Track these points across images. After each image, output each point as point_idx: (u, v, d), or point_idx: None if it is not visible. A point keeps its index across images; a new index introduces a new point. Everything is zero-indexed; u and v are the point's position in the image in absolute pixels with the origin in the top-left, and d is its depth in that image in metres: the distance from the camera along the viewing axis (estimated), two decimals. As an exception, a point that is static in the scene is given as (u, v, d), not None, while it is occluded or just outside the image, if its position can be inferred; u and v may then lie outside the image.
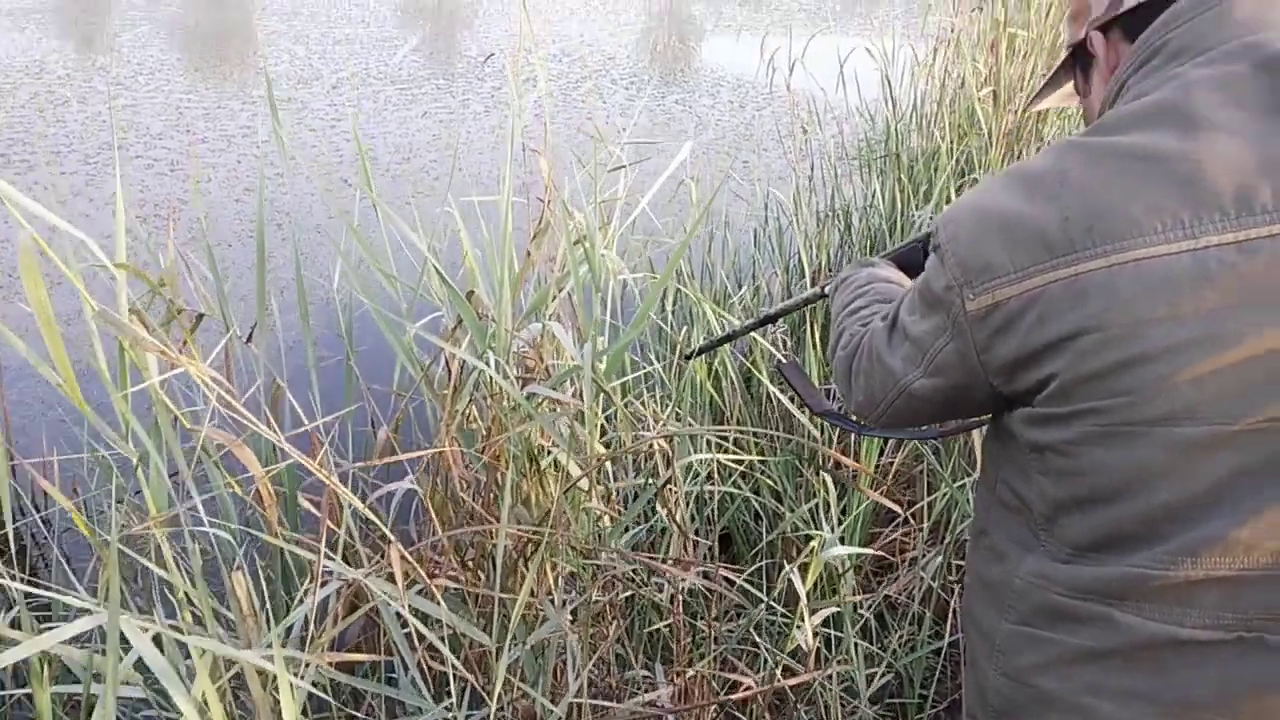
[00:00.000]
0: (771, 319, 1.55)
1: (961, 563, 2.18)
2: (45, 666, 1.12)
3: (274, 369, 1.61)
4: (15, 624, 1.18)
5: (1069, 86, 1.05)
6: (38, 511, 2.30)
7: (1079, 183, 0.76)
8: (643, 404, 2.06)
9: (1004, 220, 0.79)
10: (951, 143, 3.35)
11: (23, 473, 2.19)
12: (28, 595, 1.20)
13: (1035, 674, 0.85)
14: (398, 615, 1.15)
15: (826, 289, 1.29)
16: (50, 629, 1.16)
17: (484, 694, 1.19)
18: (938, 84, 3.78)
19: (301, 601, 1.13)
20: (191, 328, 1.39)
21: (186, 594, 1.15)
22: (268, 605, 1.14)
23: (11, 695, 1.27)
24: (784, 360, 1.45)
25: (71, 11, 10.58)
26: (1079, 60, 0.99)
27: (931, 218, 3.07)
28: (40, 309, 0.88)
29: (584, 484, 1.40)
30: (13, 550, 1.24)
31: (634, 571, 1.56)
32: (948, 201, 3.05)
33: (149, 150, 5.57)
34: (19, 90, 6.70)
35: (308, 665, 1.09)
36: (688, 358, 1.95)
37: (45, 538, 2.21)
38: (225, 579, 1.15)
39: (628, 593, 1.56)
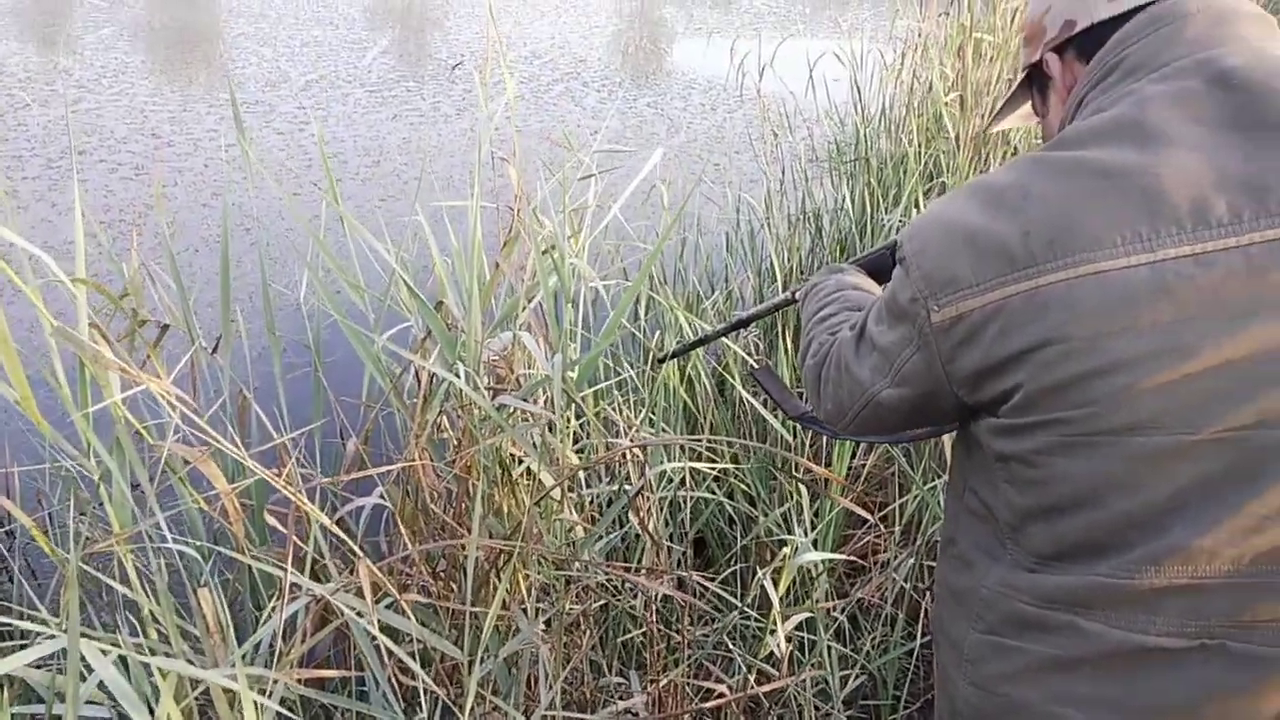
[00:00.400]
0: (743, 323, 1.56)
1: (933, 564, 2.20)
2: (6, 686, 1.10)
3: (240, 380, 1.59)
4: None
5: (1027, 107, 1.07)
6: (1, 525, 2.26)
7: (1040, 197, 0.77)
8: (616, 409, 2.06)
9: (967, 234, 0.80)
10: (919, 147, 3.38)
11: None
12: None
13: (1004, 683, 0.86)
14: (368, 630, 1.14)
15: (797, 294, 1.31)
16: (11, 645, 1.14)
17: (455, 708, 1.18)
18: (905, 88, 3.81)
19: (269, 619, 1.11)
20: (155, 340, 1.37)
21: (151, 612, 1.13)
22: (230, 623, 1.12)
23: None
24: (757, 365, 1.45)
25: (31, 13, 10.40)
26: (1036, 81, 1.01)
27: (901, 221, 3.10)
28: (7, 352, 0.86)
29: (556, 494, 1.39)
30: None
31: (607, 580, 1.55)
32: (916, 205, 3.08)
33: (113, 155, 5.49)
34: (-22, 93, 6.58)
35: (275, 683, 1.07)
36: (660, 361, 1.96)
37: (7, 551, 2.17)
38: (191, 595, 1.13)
39: (601, 602, 1.56)
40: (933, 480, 2.27)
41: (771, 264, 3.24)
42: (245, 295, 3.65)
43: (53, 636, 0.90)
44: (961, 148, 3.17)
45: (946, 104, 3.26)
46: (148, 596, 1.11)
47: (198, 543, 1.16)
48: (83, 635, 0.93)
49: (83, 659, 0.91)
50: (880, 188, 3.41)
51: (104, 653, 0.89)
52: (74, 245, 1.19)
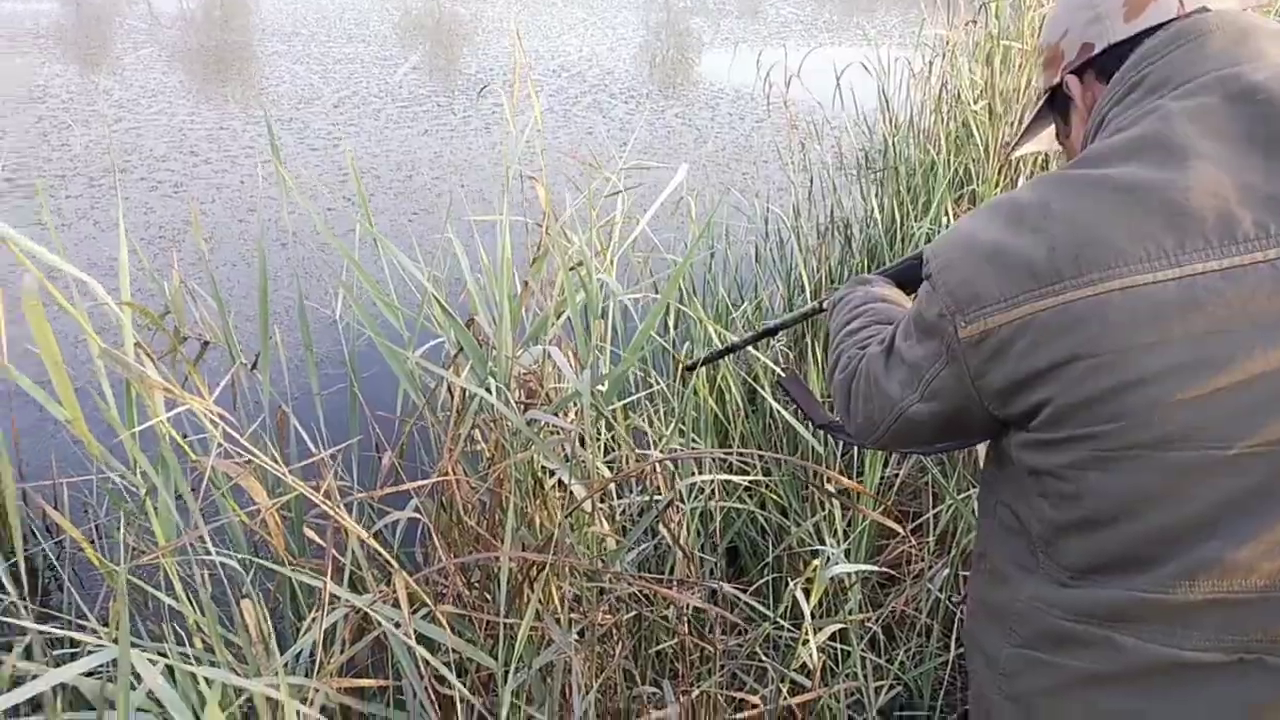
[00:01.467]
0: (771, 332, 1.56)
1: (968, 574, 2.19)
2: (59, 694, 1.13)
3: (279, 394, 1.63)
4: (28, 652, 1.19)
5: (1047, 131, 1.08)
6: (50, 535, 2.32)
7: (1063, 214, 0.77)
8: (647, 421, 2.08)
9: (991, 250, 0.80)
10: (948, 155, 3.37)
11: (34, 496, 2.21)
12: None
13: (1039, 697, 0.86)
14: (404, 640, 1.16)
15: (825, 304, 1.31)
16: (64, 653, 1.17)
17: (490, 717, 1.20)
18: (933, 96, 3.80)
19: (309, 629, 1.14)
20: (196, 357, 1.41)
21: (196, 622, 1.16)
22: (272, 633, 1.15)
23: (25, 722, 1.28)
24: (784, 374, 1.46)
25: (73, 35, 10.67)
26: (1056, 103, 1.01)
27: (930, 230, 3.09)
28: (47, 351, 0.89)
29: (587, 506, 1.41)
30: (24, 574, 1.25)
31: (640, 591, 1.56)
32: (946, 214, 3.06)
33: (153, 173, 5.61)
34: (23, 114, 6.76)
35: (316, 691, 1.10)
36: (689, 369, 1.97)
37: (57, 561, 2.23)
38: (234, 606, 1.16)
39: (633, 613, 1.57)
40: (967, 489, 2.26)
41: (800, 274, 3.24)
42: (282, 309, 3.72)
43: (103, 648, 0.93)
44: (990, 156, 3.16)
45: (974, 112, 3.25)
46: (192, 607, 1.14)
47: (240, 555, 1.19)
48: (131, 645, 0.96)
49: (132, 668, 0.94)
50: (909, 196, 3.40)
51: (152, 663, 0.92)
52: (116, 262, 1.23)
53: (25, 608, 1.16)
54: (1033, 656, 0.86)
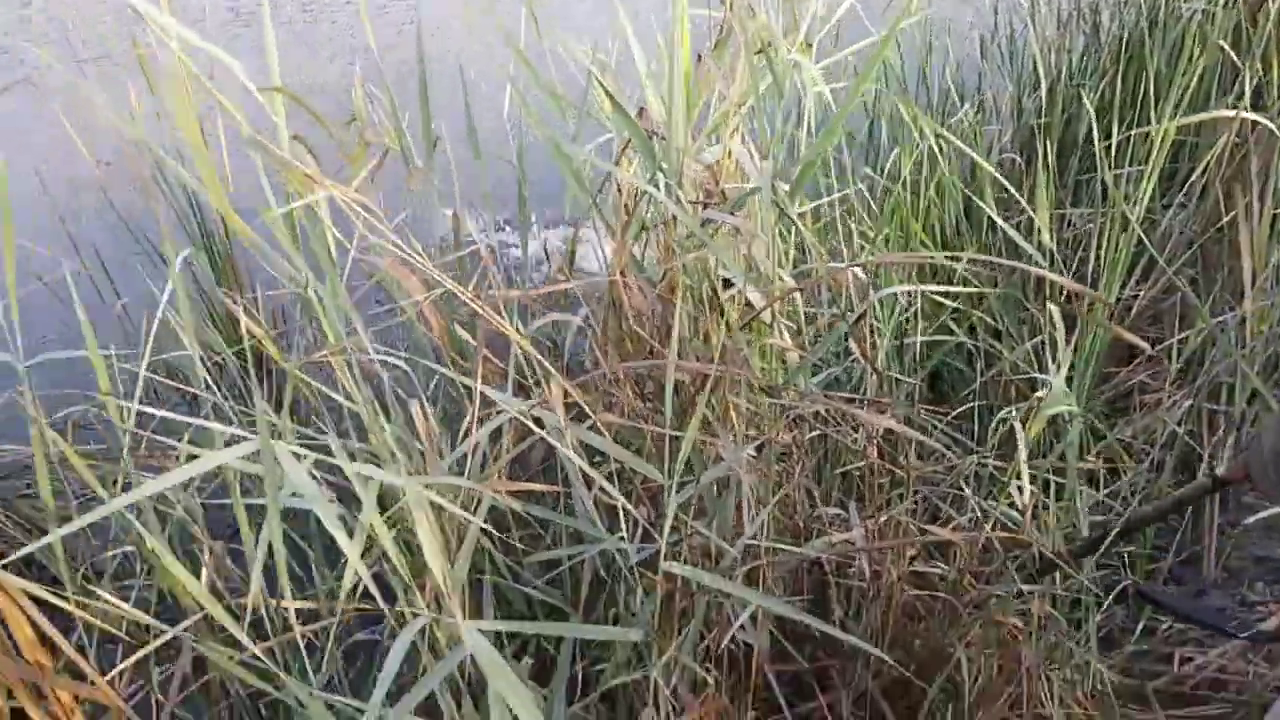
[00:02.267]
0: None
1: (1214, 407, 1.91)
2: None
3: (447, 196, 1.57)
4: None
5: None
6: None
7: None
8: (839, 228, 1.90)
9: None
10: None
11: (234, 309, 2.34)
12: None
13: None
14: (561, 446, 1.12)
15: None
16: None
17: (654, 531, 1.15)
18: None
19: (470, 432, 1.11)
20: (375, 165, 1.36)
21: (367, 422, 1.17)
22: (441, 435, 1.13)
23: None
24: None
25: None
26: None
27: (1205, 9, 2.55)
28: (188, 129, 0.85)
29: (765, 317, 1.28)
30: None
31: (826, 412, 1.45)
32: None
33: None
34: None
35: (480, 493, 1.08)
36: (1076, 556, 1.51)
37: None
38: (401, 410, 1.16)
39: (816, 433, 1.46)
40: (1222, 312, 1.95)
41: (1035, 69, 2.82)
42: (448, 113, 3.68)
43: (249, 439, 0.93)
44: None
45: None
46: (372, 410, 1.13)
47: (403, 354, 1.17)
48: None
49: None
50: (1180, -30, 2.82)
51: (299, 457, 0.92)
52: (324, 84, 1.17)
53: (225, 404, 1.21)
54: None
